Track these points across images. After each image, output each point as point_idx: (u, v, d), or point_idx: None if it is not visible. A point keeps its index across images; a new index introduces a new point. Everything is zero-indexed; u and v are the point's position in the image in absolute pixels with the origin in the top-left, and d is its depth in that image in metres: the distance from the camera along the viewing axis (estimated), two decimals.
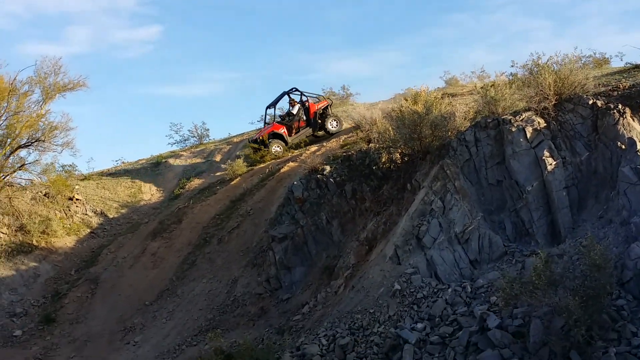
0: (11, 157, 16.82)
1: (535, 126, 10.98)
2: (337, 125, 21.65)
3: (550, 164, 10.65)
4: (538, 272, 8.05)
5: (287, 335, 11.11)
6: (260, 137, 21.39)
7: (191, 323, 13.02)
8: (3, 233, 16.01)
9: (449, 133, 11.79)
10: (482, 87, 15.26)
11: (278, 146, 20.88)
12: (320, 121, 21.71)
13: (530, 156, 10.81)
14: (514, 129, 10.92)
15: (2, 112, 16.44)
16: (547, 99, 11.21)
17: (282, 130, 21.51)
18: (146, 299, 14.17)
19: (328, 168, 14.14)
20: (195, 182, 21.22)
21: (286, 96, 22.23)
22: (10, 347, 12.91)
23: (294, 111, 22.01)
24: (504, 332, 8.18)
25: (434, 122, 11.69)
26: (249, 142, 22.68)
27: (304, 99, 22.23)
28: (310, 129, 21.85)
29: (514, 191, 10.85)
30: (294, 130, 21.68)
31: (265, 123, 23.06)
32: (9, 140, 16.59)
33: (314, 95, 22.68)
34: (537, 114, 11.21)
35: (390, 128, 12.60)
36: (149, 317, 13.59)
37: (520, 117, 11.19)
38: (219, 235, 15.67)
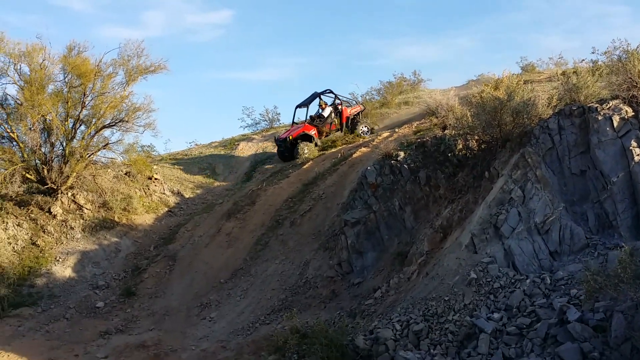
0: (96, 137, 17.60)
1: (623, 115, 10.57)
2: (368, 132, 20.92)
3: (638, 155, 10.25)
4: (624, 264, 7.81)
5: (359, 318, 11.21)
6: (290, 137, 20.54)
7: (264, 302, 13.33)
8: (87, 209, 16.80)
9: (531, 120, 11.50)
10: (562, 74, 14.81)
11: (307, 150, 20.03)
12: (351, 127, 21.13)
13: (617, 146, 10.42)
14: (600, 118, 10.56)
15: (88, 93, 17.17)
16: (636, 87, 10.75)
17: (313, 132, 20.79)
18: (221, 277, 14.59)
19: (402, 154, 14.07)
20: (267, 165, 21.60)
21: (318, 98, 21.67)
22: (93, 318, 13.54)
23: (325, 113, 21.33)
24: (585, 325, 7.97)
25: (516, 108, 11.41)
26: (275, 140, 21.74)
27: (337, 102, 21.65)
28: (341, 134, 21.12)
29: (598, 182, 10.51)
30: (324, 134, 21.05)
31: (293, 123, 22.45)
32: (94, 120, 17.34)
33: (347, 99, 22.06)
34: (624, 103, 10.78)
35: (468, 114, 12.40)
36: (224, 294, 13.99)
37: (607, 105, 10.79)
38: (292, 217, 15.92)
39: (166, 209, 18.48)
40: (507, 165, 11.18)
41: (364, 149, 17.49)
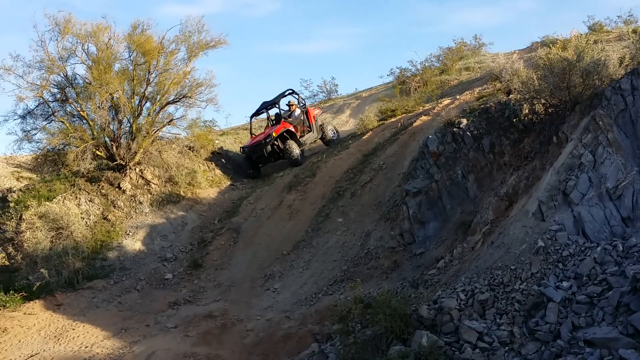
0: (160, 113, 18.04)
1: None
2: (334, 134, 20.11)
3: None
4: None
5: (422, 288, 11.13)
6: (274, 134, 18.65)
7: (327, 273, 13.42)
8: (154, 184, 17.29)
9: (602, 81, 10.93)
10: (633, 32, 14.06)
11: (296, 148, 18.63)
12: (320, 131, 20.08)
13: None
14: None
15: (153, 70, 17.57)
16: None
17: (293, 129, 19.30)
18: (284, 249, 14.77)
19: (465, 121, 13.70)
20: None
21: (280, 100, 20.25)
22: (162, 289, 14.01)
23: (296, 114, 20.03)
24: None
25: (586, 69, 10.86)
26: (245, 150, 19.64)
27: (302, 102, 20.60)
28: (313, 135, 19.95)
29: None
30: (298, 134, 19.64)
31: (251, 134, 20.65)
32: (158, 97, 17.78)
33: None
34: None
35: (534, 77, 11.92)
36: (287, 266, 14.17)
37: None
38: (352, 189, 15.88)
39: (228, 182, 18.80)
40: (576, 129, 10.71)
41: (424, 118, 17.17)
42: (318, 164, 18.00)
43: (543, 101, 12.26)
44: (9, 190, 16.59)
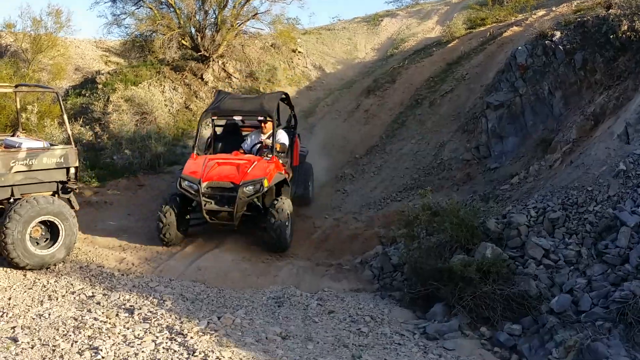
0: (246, 6, 17.98)
1: None
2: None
3: None
4: None
5: (493, 203, 10.99)
6: (265, 183, 9.75)
7: (397, 180, 13.50)
8: (235, 77, 17.57)
9: None
10: None
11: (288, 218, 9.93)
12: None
13: None
14: None
15: None
16: None
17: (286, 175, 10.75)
18: (357, 153, 14.89)
19: (558, 34, 12.93)
20: (410, 43, 20.96)
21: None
22: None
23: (283, 139, 11.23)
24: None
25: None
26: (181, 186, 9.82)
27: (292, 119, 12.28)
28: (290, 190, 11.09)
29: None
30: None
31: (194, 148, 11.23)
32: None
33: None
34: None
35: None
36: (359, 169, 14.32)
37: None
38: (431, 97, 15.59)
39: (307, 82, 18.84)
40: None
41: (515, 28, 16.34)
42: (399, 70, 17.68)
43: None
44: (98, 72, 17.29)
